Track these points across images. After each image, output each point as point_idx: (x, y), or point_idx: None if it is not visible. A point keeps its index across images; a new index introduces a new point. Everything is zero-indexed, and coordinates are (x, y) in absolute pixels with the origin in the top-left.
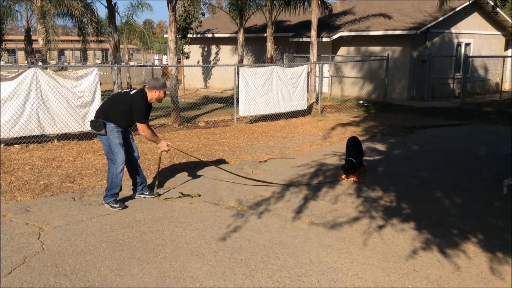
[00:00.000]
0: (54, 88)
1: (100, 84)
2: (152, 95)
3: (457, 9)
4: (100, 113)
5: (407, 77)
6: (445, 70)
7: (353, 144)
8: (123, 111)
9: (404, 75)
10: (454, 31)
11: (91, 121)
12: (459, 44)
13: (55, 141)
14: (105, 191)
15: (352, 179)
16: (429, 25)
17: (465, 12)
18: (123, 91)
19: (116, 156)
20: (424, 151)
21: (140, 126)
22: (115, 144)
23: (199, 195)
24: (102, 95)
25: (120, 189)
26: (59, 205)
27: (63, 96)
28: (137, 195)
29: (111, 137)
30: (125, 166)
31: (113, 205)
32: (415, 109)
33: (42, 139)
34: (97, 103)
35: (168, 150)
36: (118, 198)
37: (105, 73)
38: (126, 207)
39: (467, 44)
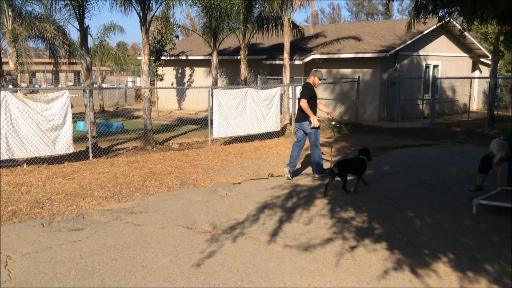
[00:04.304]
0: (24, 112)
1: (72, 106)
2: (311, 79)
3: (425, 32)
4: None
5: (377, 99)
6: (414, 92)
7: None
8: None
9: (374, 97)
10: (422, 53)
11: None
12: (427, 66)
13: (25, 165)
14: (314, 170)
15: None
16: (398, 48)
17: (432, 35)
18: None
19: (318, 141)
20: (396, 171)
21: (302, 101)
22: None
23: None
24: (73, 117)
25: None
26: (28, 232)
27: (33, 120)
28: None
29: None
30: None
31: (322, 173)
32: (386, 130)
33: (11, 163)
34: (68, 126)
35: (319, 126)
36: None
37: (77, 95)
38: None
39: (435, 66)
